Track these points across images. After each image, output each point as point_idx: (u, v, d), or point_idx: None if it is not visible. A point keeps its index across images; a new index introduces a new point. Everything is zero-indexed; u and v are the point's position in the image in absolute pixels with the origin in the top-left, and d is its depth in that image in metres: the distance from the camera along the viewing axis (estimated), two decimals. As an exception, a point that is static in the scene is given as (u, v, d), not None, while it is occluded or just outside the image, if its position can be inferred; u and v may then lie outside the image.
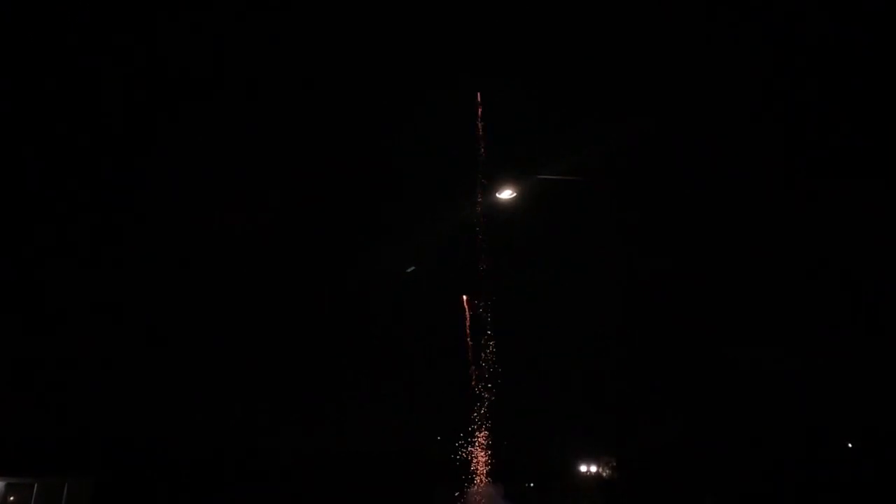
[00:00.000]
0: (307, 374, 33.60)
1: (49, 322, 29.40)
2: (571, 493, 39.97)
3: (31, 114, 24.52)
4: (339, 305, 33.90)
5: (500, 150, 26.46)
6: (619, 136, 27.89)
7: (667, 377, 35.43)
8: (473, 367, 32.46)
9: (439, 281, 33.12)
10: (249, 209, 29.00)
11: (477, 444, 33.71)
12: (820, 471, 30.61)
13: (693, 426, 34.37)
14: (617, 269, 34.53)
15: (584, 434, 38.97)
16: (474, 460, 33.58)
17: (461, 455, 32.92)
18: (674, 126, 28.57)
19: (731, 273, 32.40)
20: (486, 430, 33.67)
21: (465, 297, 30.61)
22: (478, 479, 33.30)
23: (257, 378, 31.98)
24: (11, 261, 27.72)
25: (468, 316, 30.80)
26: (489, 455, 34.25)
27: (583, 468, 41.41)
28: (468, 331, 30.83)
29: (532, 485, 40.12)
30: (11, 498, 26.49)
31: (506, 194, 24.59)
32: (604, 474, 41.38)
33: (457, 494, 32.41)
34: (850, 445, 33.48)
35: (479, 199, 27.11)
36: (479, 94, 24.86)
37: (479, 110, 25.44)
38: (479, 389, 32.68)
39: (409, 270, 30.94)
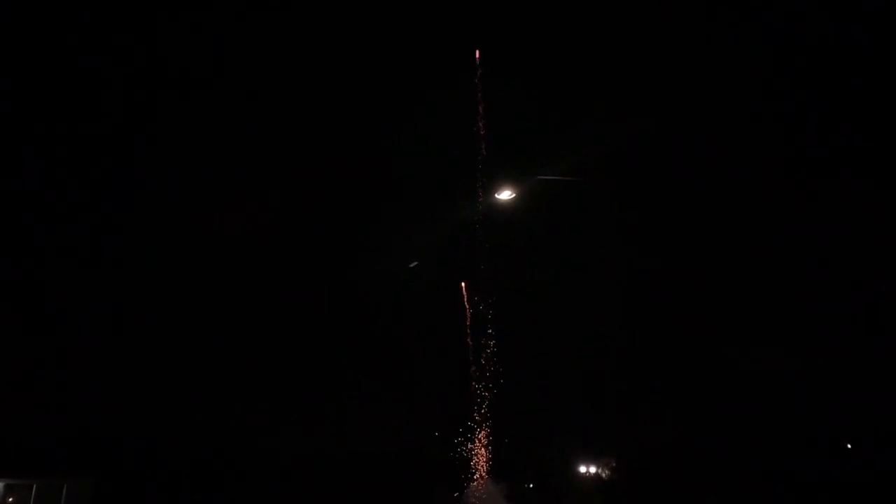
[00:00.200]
0: (307, 373, 33.59)
1: (49, 322, 29.35)
2: (571, 493, 39.90)
3: (32, 114, 24.53)
4: (339, 305, 33.91)
5: (500, 150, 26.47)
6: (619, 136, 27.90)
7: (666, 377, 35.42)
8: (474, 368, 32.47)
9: (439, 281, 33.13)
10: (249, 209, 29.00)
11: (477, 444, 33.71)
12: (819, 472, 30.57)
13: (692, 427, 34.33)
14: (617, 269, 34.54)
15: (584, 434, 38.92)
16: (474, 460, 33.57)
17: (461, 455, 32.93)
18: (673, 126, 28.60)
19: (731, 273, 32.43)
20: (485, 430, 33.66)
21: (463, 284, 30.66)
22: (478, 478, 33.31)
23: (257, 378, 31.96)
24: (11, 261, 27.69)
25: (467, 304, 30.84)
26: (489, 455, 34.25)
27: (582, 469, 41.34)
28: (468, 320, 30.84)
29: (531, 485, 40.07)
30: (10, 499, 26.39)
31: (505, 195, 24.61)
32: (603, 475, 41.30)
33: (455, 496, 32.42)
34: (848, 446, 33.44)
35: (480, 199, 27.12)
36: (477, 52, 24.56)
37: (480, 108, 25.38)
38: (478, 389, 32.70)
39: (411, 266, 30.93)
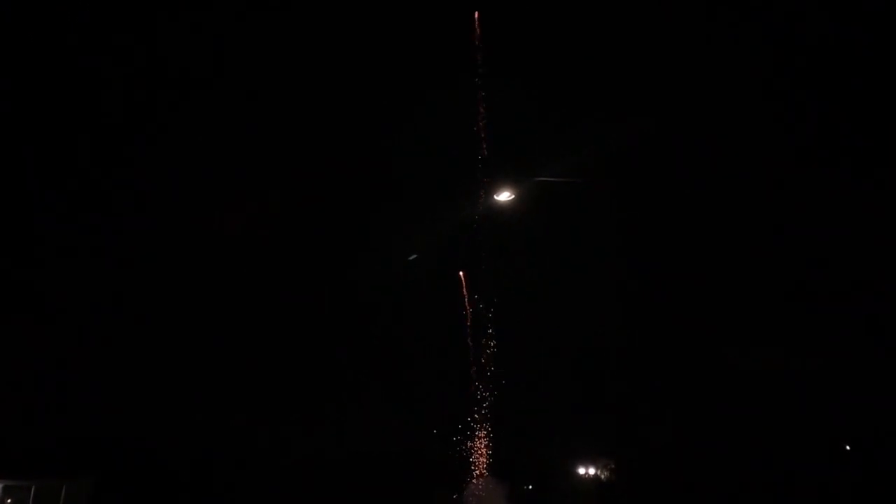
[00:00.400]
0: (307, 373, 33.51)
1: (47, 323, 29.26)
2: (570, 494, 39.87)
3: (32, 114, 24.50)
4: (339, 304, 33.87)
5: (500, 151, 26.48)
6: (619, 136, 27.93)
7: (666, 378, 35.40)
8: (474, 368, 32.47)
9: (439, 282, 33.12)
10: (249, 209, 28.95)
11: (476, 444, 33.69)
12: (818, 473, 30.55)
13: (692, 428, 34.30)
14: (616, 269, 34.55)
15: (583, 436, 38.87)
16: (473, 461, 33.55)
17: (460, 455, 32.91)
18: (673, 126, 28.64)
19: (731, 273, 32.43)
20: (485, 430, 33.65)
21: (462, 274, 30.67)
22: (478, 479, 33.28)
23: (256, 378, 31.88)
24: (10, 261, 27.61)
25: (466, 295, 30.85)
26: (488, 456, 34.22)
27: (581, 470, 41.31)
28: (468, 311, 30.85)
29: (530, 486, 40.03)
30: (9, 500, 26.23)
31: (504, 196, 24.63)
32: (602, 476, 41.26)
33: (455, 497, 32.39)
34: (847, 448, 33.41)
35: (480, 200, 27.12)
36: (476, 14, 24.37)
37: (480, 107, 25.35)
38: (478, 390, 32.69)
39: (410, 258, 30.89)
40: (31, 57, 23.82)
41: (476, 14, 24.16)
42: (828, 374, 30.76)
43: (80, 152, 26.18)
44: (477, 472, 33.61)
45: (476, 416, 33.37)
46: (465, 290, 31.02)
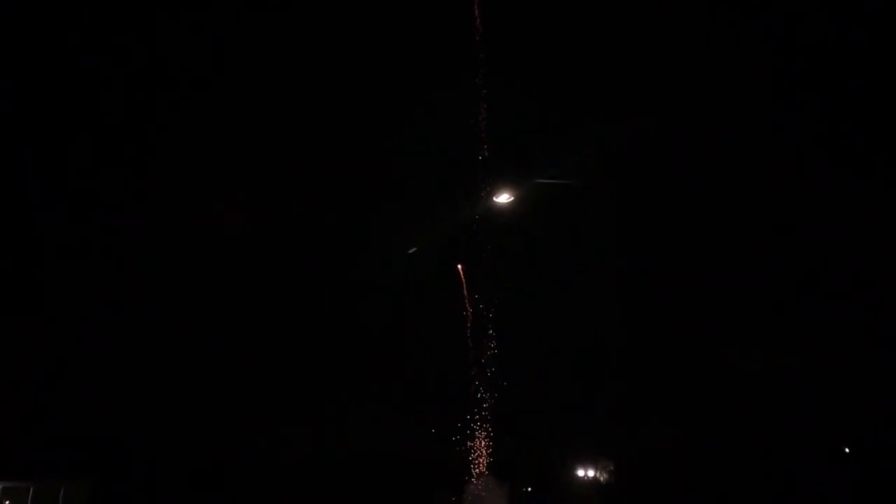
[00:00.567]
0: (307, 374, 33.43)
1: (45, 323, 29.19)
2: (569, 496, 39.84)
3: (32, 114, 24.48)
4: (338, 305, 33.85)
5: (500, 152, 26.55)
6: (619, 137, 27.99)
7: (665, 380, 35.37)
8: (474, 370, 32.47)
9: (439, 283, 33.15)
10: (249, 209, 28.94)
11: (475, 445, 33.66)
12: (817, 476, 30.54)
13: (691, 430, 34.26)
14: (615, 271, 34.56)
15: (582, 437, 38.82)
16: (472, 462, 33.53)
17: (459, 456, 32.88)
18: (672, 127, 28.69)
19: (730, 275, 32.41)
20: (484, 432, 33.63)
21: (460, 267, 30.69)
22: (477, 480, 33.25)
23: (256, 378, 31.82)
24: (8, 262, 27.55)
25: (465, 287, 30.86)
26: (487, 457, 34.19)
27: (580, 472, 41.26)
28: (467, 301, 30.85)
29: (529, 488, 39.99)
30: (7, 502, 26.14)
31: (503, 198, 24.67)
32: (601, 479, 41.21)
33: (454, 499, 32.35)
34: (846, 450, 33.40)
35: (480, 201, 27.18)
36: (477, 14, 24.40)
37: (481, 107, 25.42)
38: (478, 391, 32.69)
39: (410, 252, 30.89)
40: (32, 57, 23.84)
41: (477, 13, 24.30)
42: (828, 375, 30.74)
43: (80, 152, 26.17)
44: (476, 472, 33.60)
45: (475, 416, 33.37)
46: (463, 282, 31.06)
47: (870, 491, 28.87)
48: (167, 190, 28.80)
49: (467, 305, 31.57)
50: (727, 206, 30.41)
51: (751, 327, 32.67)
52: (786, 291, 30.77)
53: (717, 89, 27.50)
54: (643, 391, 35.09)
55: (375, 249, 32.58)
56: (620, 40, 27.39)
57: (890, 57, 23.02)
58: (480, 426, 32.73)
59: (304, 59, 26.87)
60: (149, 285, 30.08)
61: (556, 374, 36.14)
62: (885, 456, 29.79)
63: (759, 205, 29.73)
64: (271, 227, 30.14)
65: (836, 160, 26.72)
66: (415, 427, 33.89)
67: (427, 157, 29.74)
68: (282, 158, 29.57)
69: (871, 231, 26.63)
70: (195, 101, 26.89)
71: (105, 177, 27.34)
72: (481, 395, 32.20)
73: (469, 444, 32.80)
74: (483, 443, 33.49)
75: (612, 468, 40.18)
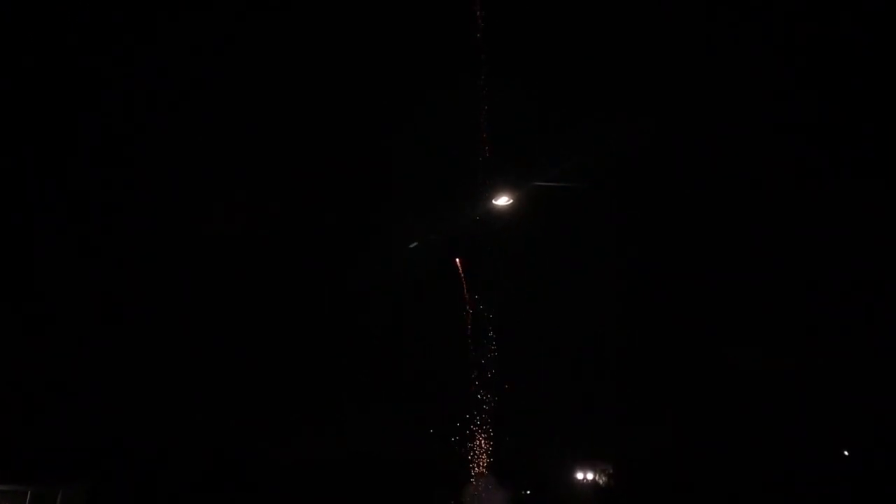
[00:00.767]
0: (306, 375, 33.39)
1: (43, 325, 29.05)
2: (568, 499, 39.78)
3: (32, 114, 24.39)
4: (339, 306, 33.80)
5: (500, 154, 26.56)
6: (618, 138, 28.02)
7: (665, 383, 35.40)
8: (474, 373, 32.43)
9: (439, 285, 33.12)
10: (250, 210, 28.88)
11: (475, 449, 33.60)
12: (816, 478, 30.54)
13: (690, 433, 34.27)
14: (614, 274, 34.60)
15: (581, 440, 38.82)
16: (472, 465, 33.46)
17: (459, 459, 32.81)
18: (672, 128, 28.74)
19: (730, 277, 32.47)
20: (484, 435, 33.58)
21: (458, 261, 30.68)
22: (476, 483, 33.18)
23: (255, 381, 31.70)
24: (6, 263, 27.42)
25: (464, 280, 30.83)
26: (487, 460, 34.13)
27: (579, 475, 41.20)
28: (465, 291, 30.80)
29: (528, 491, 39.91)
30: (4, 505, 25.97)
31: (503, 201, 24.66)
32: (600, 481, 41.16)
33: (452, 502, 32.27)
34: (846, 453, 33.42)
35: (481, 203, 27.16)
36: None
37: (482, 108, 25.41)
38: (478, 394, 32.65)
39: (411, 246, 30.83)
40: (32, 57, 23.75)
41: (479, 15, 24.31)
42: (828, 375, 30.79)
43: (80, 152, 26.07)
44: (475, 475, 33.55)
45: (475, 420, 33.32)
46: (462, 276, 31.05)
47: (869, 492, 28.88)
48: (168, 190, 28.75)
49: (465, 296, 31.57)
50: (727, 206, 30.50)
51: (751, 328, 32.73)
52: (785, 292, 30.86)
53: (717, 91, 27.61)
54: (642, 394, 35.12)
55: (376, 250, 32.59)
56: (621, 42, 27.49)
57: (890, 57, 23.09)
58: (480, 428, 32.68)
59: (305, 60, 26.91)
60: (148, 287, 30.00)
61: (555, 376, 36.18)
62: (884, 457, 29.83)
63: (758, 205, 29.83)
64: (272, 228, 30.11)
65: (837, 161, 26.81)
66: (415, 428, 33.86)
67: (428, 159, 29.80)
68: (282, 159, 29.60)
69: (871, 231, 26.70)
70: (197, 101, 26.88)
71: (106, 177, 27.27)
72: (481, 397, 32.15)
73: (469, 445, 32.74)
74: (483, 444, 33.43)
75: (610, 471, 40.17)
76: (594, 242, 33.40)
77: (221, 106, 27.31)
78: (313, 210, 31.03)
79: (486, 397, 32.42)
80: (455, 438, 32.48)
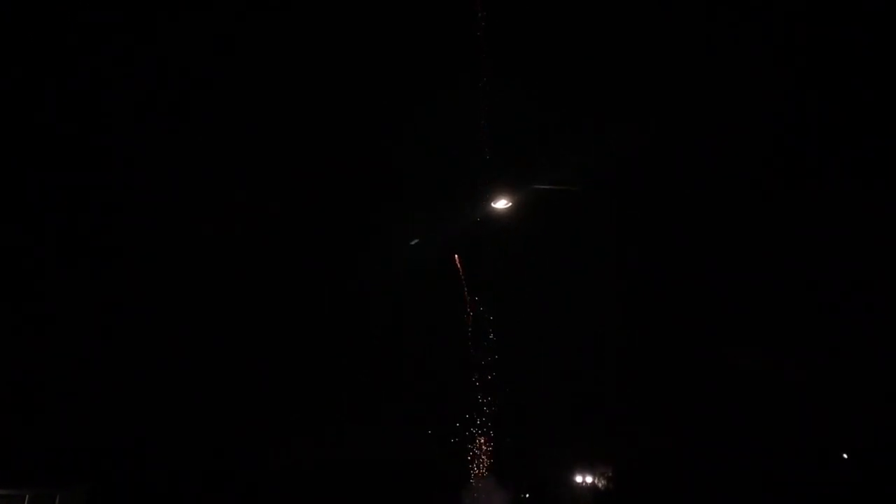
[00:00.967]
0: (306, 376, 33.30)
1: (41, 328, 28.89)
2: (567, 503, 39.75)
3: (32, 114, 24.31)
4: (340, 307, 33.75)
5: (500, 157, 26.60)
6: (618, 140, 28.06)
7: (664, 386, 35.37)
8: (475, 377, 32.42)
9: (439, 286, 33.11)
10: (251, 211, 28.83)
11: (474, 452, 33.56)
12: (815, 482, 30.51)
13: (689, 436, 34.24)
14: (613, 277, 34.60)
15: (580, 444, 38.76)
16: (472, 469, 33.42)
17: (459, 463, 32.77)
18: (672, 129, 28.79)
19: (730, 279, 32.47)
20: (483, 438, 33.54)
21: (456, 256, 30.67)
22: (475, 486, 33.13)
23: (255, 384, 31.60)
24: (4, 266, 27.27)
25: (462, 276, 30.82)
26: (486, 464, 34.08)
27: (578, 478, 41.15)
28: (465, 290, 30.78)
29: (527, 495, 39.86)
30: (3, 509, 25.78)
31: (502, 203, 24.66)
32: (599, 485, 41.11)
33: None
34: (845, 456, 33.37)
35: (482, 204, 27.19)
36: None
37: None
38: (478, 398, 32.62)
39: (412, 243, 30.80)
40: (32, 57, 23.69)
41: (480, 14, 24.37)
42: (828, 377, 30.78)
43: (80, 152, 25.98)
44: (474, 476, 33.51)
45: (474, 424, 33.29)
46: (461, 274, 31.06)
47: (869, 494, 28.87)
48: (168, 190, 28.67)
49: (465, 298, 31.59)
50: (727, 207, 30.52)
51: (751, 329, 32.72)
52: (786, 293, 30.85)
53: (717, 92, 27.66)
54: (642, 396, 35.10)
55: (376, 250, 32.55)
56: (621, 43, 27.56)
57: (890, 57, 23.16)
58: (480, 431, 32.65)
59: (306, 60, 26.93)
60: (145, 287, 29.87)
61: (555, 378, 36.15)
62: (883, 460, 29.82)
63: (758, 206, 29.84)
64: (272, 228, 30.05)
65: (836, 161, 26.86)
66: (415, 430, 33.78)
67: (428, 159, 29.82)
68: (282, 159, 29.58)
69: (871, 231, 26.71)
70: (198, 101, 26.86)
71: (106, 176, 27.19)
72: (481, 399, 32.13)
73: (468, 447, 32.71)
74: (482, 447, 33.40)
75: (610, 474, 40.12)
76: (594, 243, 33.42)
77: (222, 106, 27.32)
78: (314, 210, 31.00)
79: (486, 399, 32.40)
80: (454, 440, 32.42)
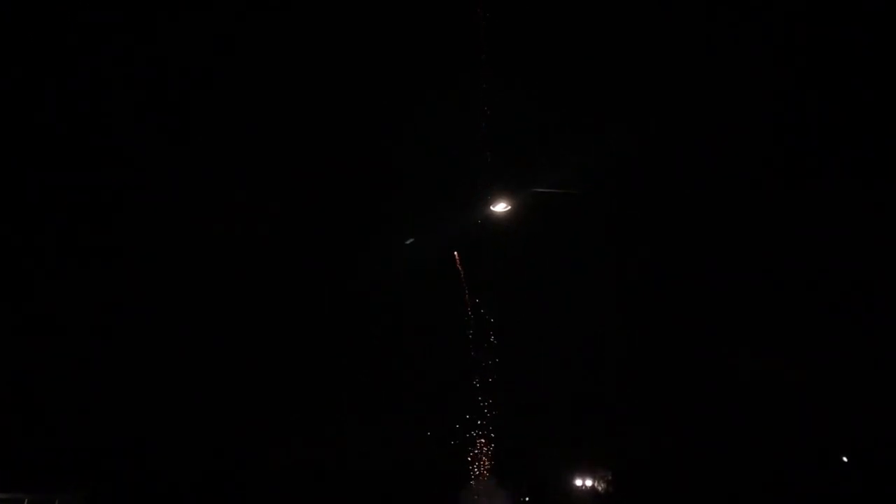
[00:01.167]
0: (305, 377, 33.26)
1: (39, 330, 28.74)
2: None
3: (31, 114, 24.26)
4: (340, 308, 33.72)
5: (499, 160, 26.64)
6: (618, 141, 28.11)
7: (664, 390, 35.38)
8: (475, 379, 32.41)
9: (440, 287, 33.12)
10: (249, 212, 28.79)
11: (474, 455, 33.54)
12: (815, 485, 30.53)
13: (689, 440, 34.25)
14: (612, 280, 34.63)
15: (580, 447, 38.76)
16: (471, 472, 33.39)
17: (458, 466, 32.75)
18: (671, 130, 28.85)
19: (730, 280, 32.50)
20: (482, 442, 33.52)
21: (456, 254, 30.69)
22: (475, 490, 33.10)
23: (255, 384, 31.53)
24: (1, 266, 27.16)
25: (463, 281, 30.85)
26: (486, 467, 34.05)
27: (578, 482, 41.18)
28: (465, 291, 30.80)
29: (527, 498, 39.88)
30: (2, 513, 25.61)
31: (501, 206, 24.67)
32: (599, 488, 41.14)
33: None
34: (845, 459, 33.39)
35: (480, 207, 27.21)
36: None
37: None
38: (477, 400, 32.61)
39: (407, 242, 30.77)
40: (32, 57, 23.66)
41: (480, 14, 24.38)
42: (828, 378, 30.78)
43: (80, 152, 25.93)
44: (474, 479, 33.49)
45: (474, 427, 33.29)
46: (461, 273, 31.11)
47: (869, 495, 28.87)
48: (168, 189, 28.61)
49: (465, 299, 31.63)
50: (726, 207, 30.56)
51: (751, 330, 32.74)
52: (786, 293, 30.87)
53: (717, 93, 27.73)
54: (642, 399, 35.11)
55: (376, 251, 32.56)
56: (621, 43, 27.63)
57: (890, 57, 23.24)
58: (480, 433, 32.65)
59: (306, 60, 26.95)
60: (144, 288, 29.77)
61: (555, 380, 36.17)
62: (883, 461, 29.83)
63: (758, 206, 29.89)
64: (271, 228, 30.01)
65: (836, 161, 26.92)
66: (414, 432, 33.77)
67: (428, 159, 29.87)
68: (282, 159, 29.58)
69: (871, 232, 26.76)
70: (197, 100, 26.87)
71: (106, 176, 27.12)
72: (481, 400, 32.15)
73: (468, 450, 32.71)
74: (482, 450, 33.39)
75: (610, 477, 40.15)
76: (594, 244, 33.48)
77: (221, 105, 27.31)
78: (314, 209, 30.99)
79: (486, 401, 32.40)
80: (454, 442, 32.41)
